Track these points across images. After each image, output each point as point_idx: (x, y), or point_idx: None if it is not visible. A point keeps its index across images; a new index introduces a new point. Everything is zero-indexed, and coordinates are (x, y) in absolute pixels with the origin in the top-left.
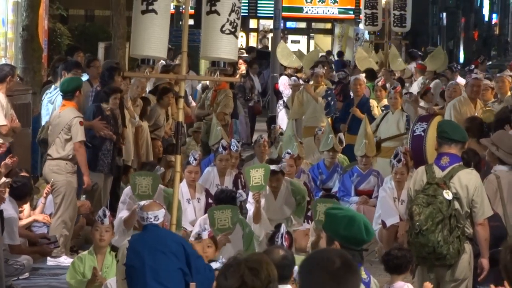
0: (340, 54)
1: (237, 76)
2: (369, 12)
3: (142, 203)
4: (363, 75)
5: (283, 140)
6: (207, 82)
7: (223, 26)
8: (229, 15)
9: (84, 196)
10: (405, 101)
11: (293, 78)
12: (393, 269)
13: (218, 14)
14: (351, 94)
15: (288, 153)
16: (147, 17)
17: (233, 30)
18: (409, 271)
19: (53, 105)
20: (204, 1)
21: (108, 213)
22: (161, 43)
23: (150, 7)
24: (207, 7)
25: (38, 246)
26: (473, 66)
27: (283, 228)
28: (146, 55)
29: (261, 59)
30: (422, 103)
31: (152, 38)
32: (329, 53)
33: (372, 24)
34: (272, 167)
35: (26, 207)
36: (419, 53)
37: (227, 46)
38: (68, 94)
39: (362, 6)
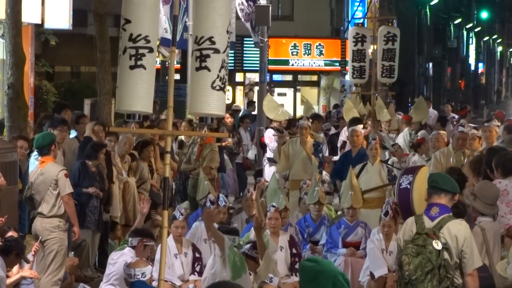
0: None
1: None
2: (357, 65)
3: (129, 260)
4: (361, 126)
5: (267, 193)
6: (183, 138)
7: (213, 82)
8: (219, 71)
9: (72, 252)
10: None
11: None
12: None
13: (209, 70)
14: (338, 145)
15: (273, 206)
16: (136, 73)
17: (222, 86)
18: None
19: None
20: (193, 57)
21: (87, 286)
22: (148, 98)
23: (139, 62)
24: (196, 63)
25: None
26: (457, 117)
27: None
28: (134, 111)
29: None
30: (416, 156)
31: (141, 94)
32: (337, 106)
33: (360, 77)
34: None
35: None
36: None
37: (217, 102)
38: (44, 149)
39: (349, 59)
